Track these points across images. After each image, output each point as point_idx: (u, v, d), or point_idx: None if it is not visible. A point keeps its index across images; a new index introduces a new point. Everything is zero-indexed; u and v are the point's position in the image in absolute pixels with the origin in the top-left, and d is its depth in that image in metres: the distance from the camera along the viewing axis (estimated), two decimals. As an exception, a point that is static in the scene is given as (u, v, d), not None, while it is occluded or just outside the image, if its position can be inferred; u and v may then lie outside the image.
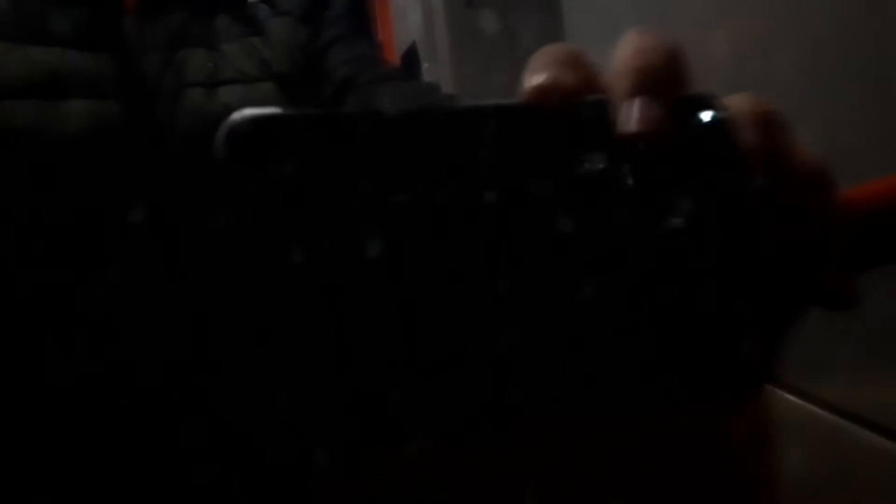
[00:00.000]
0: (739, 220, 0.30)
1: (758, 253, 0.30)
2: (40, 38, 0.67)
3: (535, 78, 0.30)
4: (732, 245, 0.30)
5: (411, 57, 3.83)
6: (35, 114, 0.62)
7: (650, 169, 0.29)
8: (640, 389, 0.29)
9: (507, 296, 0.28)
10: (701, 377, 0.30)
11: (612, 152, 0.29)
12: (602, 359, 0.29)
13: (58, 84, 0.65)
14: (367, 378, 0.27)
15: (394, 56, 4.72)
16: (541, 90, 0.30)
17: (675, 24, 1.17)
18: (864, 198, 0.34)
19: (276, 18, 0.82)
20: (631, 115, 0.29)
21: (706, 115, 0.30)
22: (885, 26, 0.74)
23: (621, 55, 0.31)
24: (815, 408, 0.86)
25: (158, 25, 0.73)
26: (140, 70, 0.69)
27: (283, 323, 0.26)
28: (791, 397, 0.88)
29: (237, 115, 0.28)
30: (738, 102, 0.31)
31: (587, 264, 0.29)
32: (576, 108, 0.30)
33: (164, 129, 0.66)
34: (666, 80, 0.30)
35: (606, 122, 0.30)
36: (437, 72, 3.21)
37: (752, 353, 0.30)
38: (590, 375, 0.29)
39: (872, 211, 0.33)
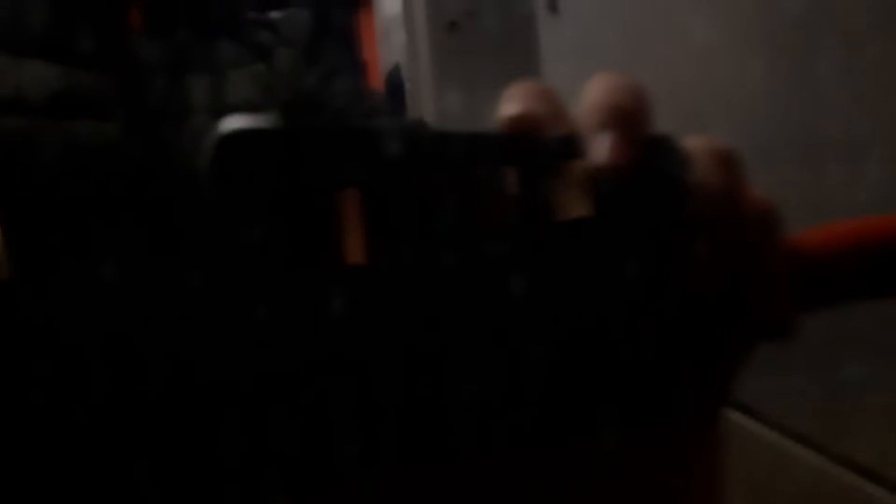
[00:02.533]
0: (690, 253, 0.31)
1: (706, 285, 0.31)
2: (44, 54, 0.66)
3: (508, 108, 0.31)
4: (682, 278, 0.31)
5: (395, 77, 3.85)
6: (35, 131, 0.62)
7: (610, 203, 0.30)
8: (584, 422, 0.30)
9: (452, 328, 0.29)
10: (643, 410, 0.31)
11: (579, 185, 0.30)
12: (547, 392, 0.30)
13: (59, 102, 0.64)
14: (322, 416, 0.27)
15: (377, 76, 4.73)
16: (514, 120, 0.31)
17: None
18: (814, 241, 0.35)
19: (281, 48, 0.83)
20: (603, 148, 0.30)
21: (667, 153, 0.31)
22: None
23: (592, 93, 0.32)
24: (764, 428, 0.88)
25: (164, 46, 0.72)
26: (144, 92, 0.68)
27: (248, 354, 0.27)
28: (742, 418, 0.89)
29: (227, 127, 0.27)
30: (696, 142, 0.33)
31: (534, 297, 0.30)
32: (548, 139, 0.31)
33: (166, 153, 0.69)
34: (634, 118, 0.31)
35: (576, 155, 0.31)
36: (420, 92, 3.22)
37: (695, 383, 0.31)
38: (535, 408, 0.30)
39: (821, 254, 0.35)
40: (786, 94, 0.85)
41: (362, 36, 5.23)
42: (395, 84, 3.84)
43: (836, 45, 0.77)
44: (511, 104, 0.31)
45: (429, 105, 3.03)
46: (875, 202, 0.71)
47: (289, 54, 0.82)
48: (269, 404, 0.27)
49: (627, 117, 0.31)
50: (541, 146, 0.31)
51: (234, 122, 0.27)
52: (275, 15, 0.86)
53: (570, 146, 0.31)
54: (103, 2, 0.69)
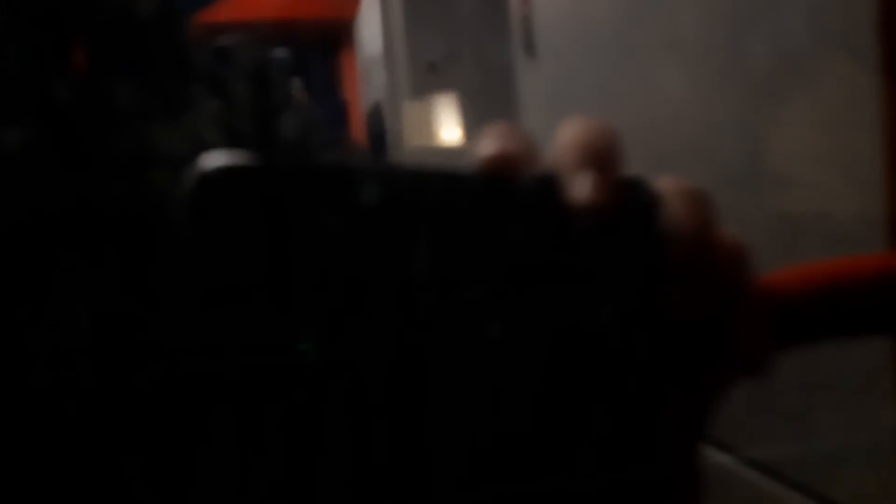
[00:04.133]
0: (665, 293, 0.32)
1: (681, 325, 0.32)
2: None
3: (484, 148, 0.32)
4: (657, 318, 0.32)
5: (376, 116, 3.87)
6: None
7: (585, 244, 0.31)
8: (564, 466, 0.31)
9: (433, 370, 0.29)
10: (622, 453, 0.31)
11: (555, 225, 0.31)
12: (526, 437, 0.30)
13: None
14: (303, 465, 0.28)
15: (358, 114, 4.74)
16: (490, 160, 0.32)
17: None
18: (787, 280, 0.36)
19: (236, 81, 0.78)
20: (582, 188, 0.31)
21: (639, 194, 0.32)
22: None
23: (566, 134, 0.33)
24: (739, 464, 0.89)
25: (110, 92, 0.64)
26: (86, 147, 0.61)
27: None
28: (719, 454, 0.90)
29: (208, 165, 0.27)
30: (666, 183, 0.33)
31: (512, 340, 0.30)
32: (525, 178, 0.31)
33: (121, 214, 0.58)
34: (609, 159, 0.32)
35: (553, 194, 0.31)
36: (400, 132, 3.24)
37: (672, 424, 0.32)
38: (514, 451, 0.30)
39: (794, 293, 0.35)
40: (753, 140, 0.87)
41: (343, 75, 5.26)
42: (376, 123, 3.86)
43: (802, 93, 0.78)
44: (487, 144, 0.32)
45: (409, 144, 3.05)
46: (845, 244, 0.72)
47: (244, 87, 0.77)
48: (250, 452, 0.27)
49: (603, 158, 0.32)
50: (518, 185, 0.31)
51: (214, 160, 0.27)
52: (225, 40, 0.79)
53: (547, 186, 0.31)
54: (41, 44, 0.62)
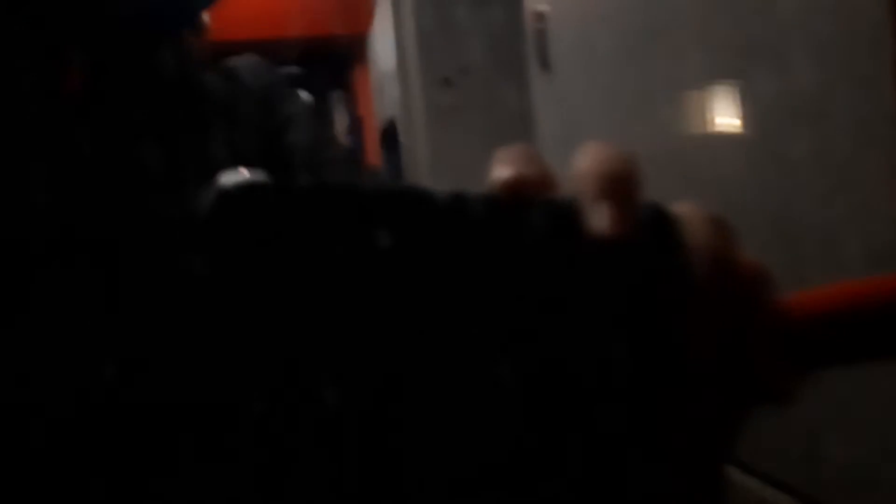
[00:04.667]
0: (686, 319, 0.31)
1: (703, 351, 0.31)
2: None
3: (501, 172, 0.32)
4: (679, 344, 0.31)
5: (390, 132, 3.88)
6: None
7: (601, 272, 0.30)
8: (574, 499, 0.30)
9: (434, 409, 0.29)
10: (639, 483, 0.31)
11: (575, 251, 0.30)
12: (534, 469, 0.29)
13: None
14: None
15: (373, 129, 4.76)
16: (506, 184, 0.31)
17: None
18: (804, 303, 0.35)
19: (241, 100, 0.79)
20: (604, 217, 0.30)
21: (660, 221, 0.31)
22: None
23: (585, 160, 0.32)
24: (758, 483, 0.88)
25: (108, 116, 0.61)
26: (85, 174, 0.58)
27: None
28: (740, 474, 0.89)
29: (227, 183, 0.27)
30: (686, 208, 0.33)
31: (527, 364, 0.29)
32: (544, 203, 0.31)
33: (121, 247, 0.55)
34: (629, 188, 0.31)
35: (571, 221, 0.30)
36: (415, 146, 3.25)
37: (692, 451, 0.31)
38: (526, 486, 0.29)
39: (817, 315, 0.35)
40: (761, 180, 0.86)
41: (357, 91, 5.28)
42: (391, 138, 3.86)
43: (808, 132, 0.78)
44: (503, 168, 0.32)
45: (424, 159, 3.05)
46: (852, 275, 0.71)
47: (249, 106, 0.78)
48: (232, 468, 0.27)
49: (624, 187, 0.31)
50: (536, 209, 0.30)
51: (232, 178, 0.28)
52: (233, 61, 0.83)
53: (565, 212, 0.31)
54: (33, 65, 0.58)
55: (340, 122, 5.18)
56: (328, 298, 0.28)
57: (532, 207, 0.31)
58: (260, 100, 0.80)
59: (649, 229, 0.31)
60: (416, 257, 0.29)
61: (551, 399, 0.30)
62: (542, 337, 0.30)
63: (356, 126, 5.20)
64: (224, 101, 0.76)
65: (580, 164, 0.33)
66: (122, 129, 0.63)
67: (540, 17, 1.65)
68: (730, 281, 0.32)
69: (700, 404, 0.32)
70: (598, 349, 0.30)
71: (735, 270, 0.32)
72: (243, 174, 0.28)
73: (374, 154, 4.63)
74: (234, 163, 0.70)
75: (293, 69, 3.94)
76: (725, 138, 0.91)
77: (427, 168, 2.99)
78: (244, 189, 0.27)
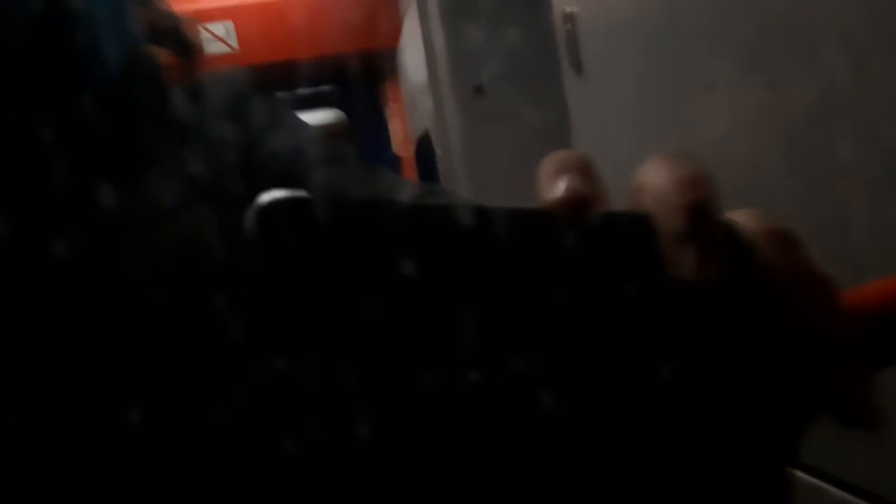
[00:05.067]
0: (765, 342, 0.29)
1: (780, 369, 0.30)
2: None
3: (557, 188, 0.29)
4: (758, 369, 0.29)
5: (425, 144, 3.89)
6: None
7: (683, 300, 0.28)
8: None
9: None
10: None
11: (649, 276, 0.28)
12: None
13: None
14: None
15: (408, 144, 4.78)
16: (565, 202, 0.29)
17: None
18: (870, 296, 0.34)
19: (207, 120, 0.73)
20: (692, 258, 0.28)
21: (735, 241, 0.30)
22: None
23: (663, 182, 0.30)
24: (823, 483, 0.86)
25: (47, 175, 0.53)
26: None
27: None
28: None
29: (269, 198, 0.26)
30: (753, 223, 0.31)
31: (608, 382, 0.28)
32: (613, 221, 0.29)
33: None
34: (717, 221, 0.30)
35: (649, 241, 0.29)
36: (451, 158, 3.25)
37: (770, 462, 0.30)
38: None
39: (880, 309, 0.33)
40: (804, 179, 0.84)
41: (391, 105, 5.31)
42: (426, 151, 3.87)
43: (850, 126, 0.76)
44: (558, 182, 0.29)
45: (461, 170, 3.05)
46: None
47: (215, 127, 0.71)
48: None
49: (712, 221, 0.29)
50: (605, 229, 0.28)
51: (271, 195, 0.26)
52: (204, 78, 0.77)
53: (641, 229, 0.28)
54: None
55: (395, 136, 5.21)
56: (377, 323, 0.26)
57: (600, 233, 0.28)
58: (229, 113, 0.74)
59: (730, 260, 0.29)
60: (457, 274, 0.27)
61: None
62: (624, 358, 0.28)
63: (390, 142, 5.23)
64: (187, 130, 0.69)
65: (655, 177, 0.30)
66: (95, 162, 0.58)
67: (570, 17, 1.64)
68: (809, 296, 0.30)
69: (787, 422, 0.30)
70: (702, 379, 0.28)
71: (807, 283, 0.31)
72: (283, 191, 0.26)
73: (409, 166, 4.65)
74: (215, 180, 0.67)
75: (325, 87, 3.96)
76: (764, 138, 0.89)
77: (463, 177, 2.98)
78: (283, 203, 0.26)
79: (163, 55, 0.78)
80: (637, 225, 0.29)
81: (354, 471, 0.26)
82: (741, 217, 0.31)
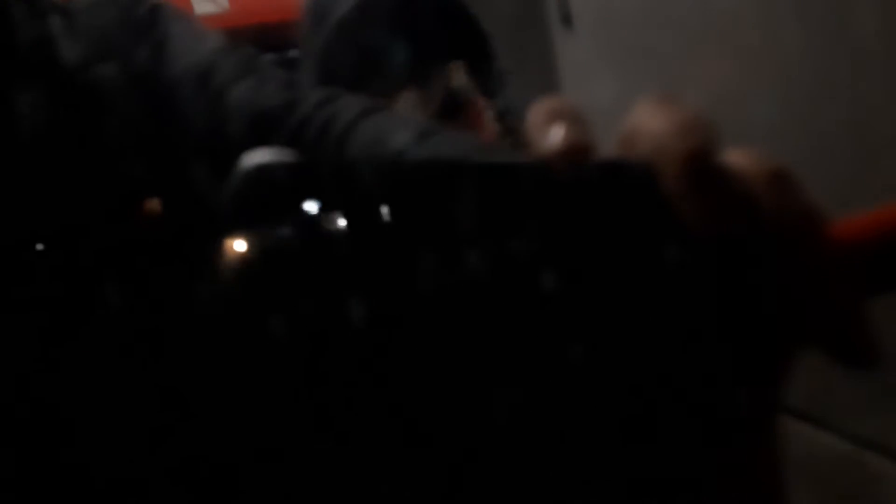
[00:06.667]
0: (763, 275, 0.29)
1: (777, 303, 0.29)
2: None
3: (553, 137, 0.28)
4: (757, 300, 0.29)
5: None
6: None
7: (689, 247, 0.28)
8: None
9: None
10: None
11: (657, 224, 0.28)
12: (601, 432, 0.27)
13: None
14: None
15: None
16: (564, 153, 0.28)
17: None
18: (861, 227, 0.34)
19: (67, 40, 0.66)
20: (697, 206, 0.28)
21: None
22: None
23: (661, 127, 0.29)
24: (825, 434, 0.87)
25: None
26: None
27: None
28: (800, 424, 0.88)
29: (252, 162, 0.26)
30: (748, 161, 0.30)
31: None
32: (612, 171, 0.28)
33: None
34: (717, 163, 0.28)
35: (651, 190, 0.28)
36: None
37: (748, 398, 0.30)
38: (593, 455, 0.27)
39: (873, 239, 0.33)
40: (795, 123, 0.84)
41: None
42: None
43: (874, 78, 0.76)
44: (554, 131, 0.28)
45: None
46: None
47: (73, 46, 0.64)
48: None
49: (716, 170, 0.28)
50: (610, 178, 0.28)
51: (256, 157, 0.26)
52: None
53: (644, 177, 0.28)
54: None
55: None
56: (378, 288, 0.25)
57: (601, 183, 0.28)
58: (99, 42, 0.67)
59: (734, 207, 0.28)
60: (453, 230, 0.26)
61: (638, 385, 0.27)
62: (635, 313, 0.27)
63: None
64: (41, 44, 0.65)
65: (650, 122, 0.29)
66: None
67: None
68: (803, 231, 0.30)
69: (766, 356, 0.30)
70: (699, 340, 0.28)
71: (806, 220, 0.30)
72: (264, 153, 0.26)
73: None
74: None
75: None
76: (767, 90, 0.89)
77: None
78: (265, 167, 0.26)
79: None
80: (638, 174, 0.28)
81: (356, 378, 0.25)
82: (735, 157, 0.30)
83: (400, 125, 0.67)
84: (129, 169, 0.62)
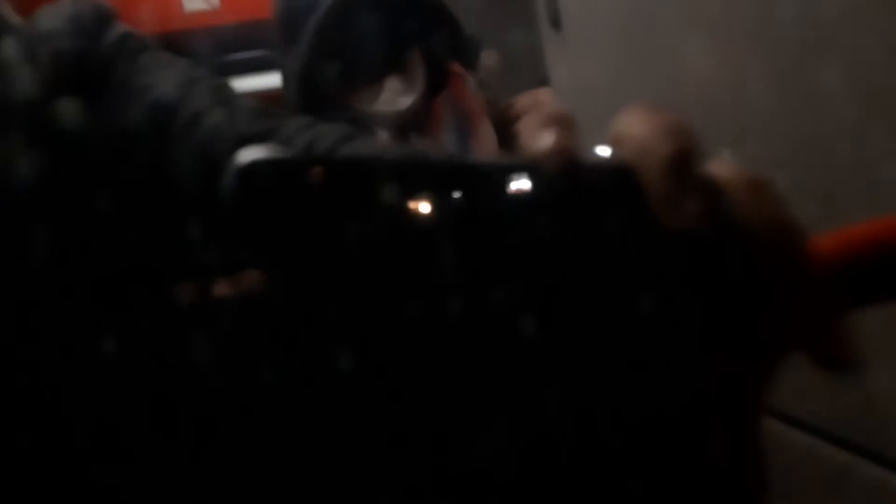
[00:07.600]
0: (745, 293, 0.30)
1: (756, 311, 0.30)
2: None
3: (543, 140, 0.30)
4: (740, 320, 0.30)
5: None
6: None
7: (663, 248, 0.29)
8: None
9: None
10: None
11: (634, 229, 0.29)
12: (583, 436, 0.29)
13: None
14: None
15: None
16: (556, 155, 0.29)
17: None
18: (845, 240, 0.35)
19: (21, 66, 0.61)
20: (679, 209, 0.29)
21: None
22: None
23: (643, 132, 0.30)
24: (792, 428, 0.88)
25: None
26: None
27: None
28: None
29: (247, 157, 0.26)
30: (730, 171, 0.31)
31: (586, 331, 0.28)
32: (597, 172, 0.29)
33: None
34: (696, 168, 0.30)
35: (632, 191, 0.29)
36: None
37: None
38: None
39: (856, 253, 0.34)
40: (787, 112, 0.85)
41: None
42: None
43: (836, 61, 0.77)
44: (544, 134, 0.30)
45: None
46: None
47: (30, 76, 0.60)
48: None
49: (695, 174, 0.29)
50: (592, 182, 0.29)
51: (250, 154, 0.26)
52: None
53: (624, 183, 0.29)
54: None
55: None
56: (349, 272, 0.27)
57: (586, 183, 0.29)
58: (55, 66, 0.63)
59: (712, 210, 0.30)
60: (456, 230, 0.28)
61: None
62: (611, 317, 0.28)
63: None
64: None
65: (633, 130, 0.31)
66: None
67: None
68: (782, 243, 0.31)
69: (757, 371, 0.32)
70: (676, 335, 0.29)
71: (784, 232, 0.32)
72: (260, 149, 0.26)
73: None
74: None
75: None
76: (748, 74, 0.90)
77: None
78: (260, 164, 0.26)
79: None
80: (620, 176, 0.29)
81: (341, 406, 0.26)
82: (717, 167, 0.32)
83: (379, 153, 0.70)
84: (96, 211, 0.58)
